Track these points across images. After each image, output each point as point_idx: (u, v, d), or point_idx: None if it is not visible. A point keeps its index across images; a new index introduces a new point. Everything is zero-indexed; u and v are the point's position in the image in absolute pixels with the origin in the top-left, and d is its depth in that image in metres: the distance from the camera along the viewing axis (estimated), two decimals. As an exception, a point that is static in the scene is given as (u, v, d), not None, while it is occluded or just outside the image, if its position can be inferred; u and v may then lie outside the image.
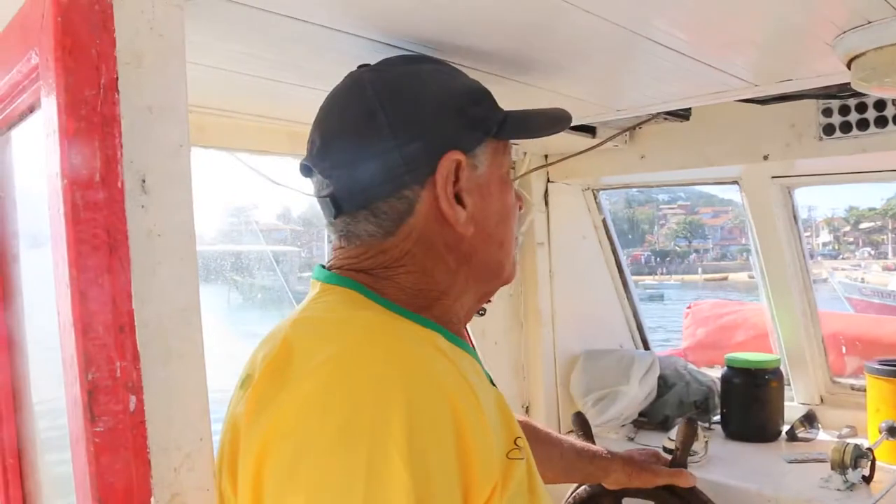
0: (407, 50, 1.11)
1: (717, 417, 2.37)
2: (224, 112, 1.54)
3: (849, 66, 1.14)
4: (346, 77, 1.01)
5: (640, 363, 2.43)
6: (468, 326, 1.84)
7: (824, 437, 2.24)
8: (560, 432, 1.67)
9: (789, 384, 2.41)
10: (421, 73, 0.99)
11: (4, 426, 1.07)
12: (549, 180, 2.48)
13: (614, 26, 1.04)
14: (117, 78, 0.70)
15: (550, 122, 1.10)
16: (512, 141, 1.05)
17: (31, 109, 0.88)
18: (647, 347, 2.83)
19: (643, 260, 65.55)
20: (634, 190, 3.01)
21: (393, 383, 0.77)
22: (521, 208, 1.10)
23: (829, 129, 1.82)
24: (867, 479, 1.81)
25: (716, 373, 2.47)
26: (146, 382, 0.70)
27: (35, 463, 1.07)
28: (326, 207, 0.98)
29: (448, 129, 0.95)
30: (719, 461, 2.07)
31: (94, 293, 0.68)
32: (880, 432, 1.99)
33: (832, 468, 1.82)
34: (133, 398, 0.69)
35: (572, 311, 2.55)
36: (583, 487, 1.69)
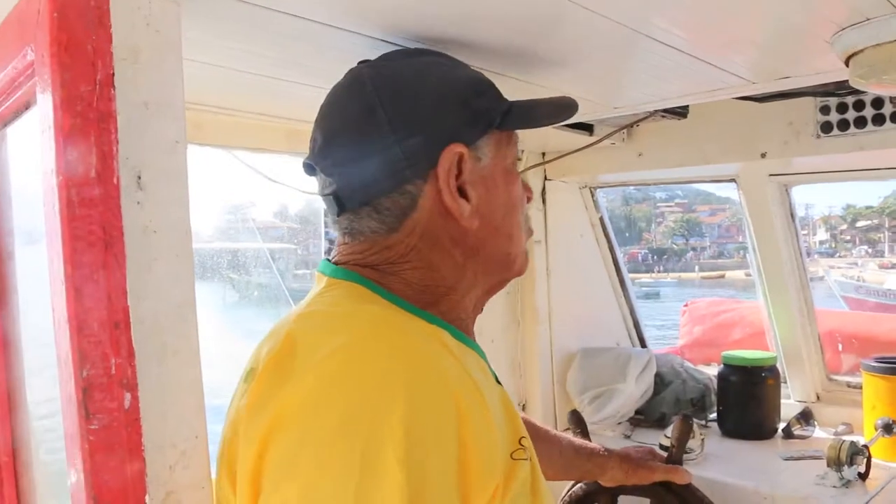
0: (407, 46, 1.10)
1: (714, 415, 2.37)
2: (222, 109, 1.54)
3: (847, 63, 1.14)
4: (346, 74, 1.00)
5: (636, 361, 2.43)
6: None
7: (820, 435, 2.24)
8: (557, 430, 1.68)
9: (786, 382, 2.42)
10: (421, 67, 0.99)
11: None
12: (546, 178, 2.47)
13: (614, 24, 1.04)
14: (113, 74, 0.70)
15: (556, 110, 1.08)
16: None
17: (27, 106, 0.88)
18: (643, 345, 2.83)
19: (640, 258, 65.58)
20: (632, 188, 3.01)
21: (396, 379, 0.77)
22: (529, 199, 1.08)
23: (826, 127, 1.82)
24: (863, 476, 1.81)
25: (712, 370, 2.47)
26: (141, 379, 0.70)
27: (30, 461, 1.07)
28: (330, 205, 0.98)
29: (449, 121, 0.94)
30: (716, 459, 2.07)
31: (89, 290, 0.67)
32: (876, 429, 1.99)
33: (828, 465, 1.82)
34: (128, 395, 0.69)
35: (569, 308, 2.55)
36: (579, 485, 1.69)
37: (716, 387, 2.36)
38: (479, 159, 0.96)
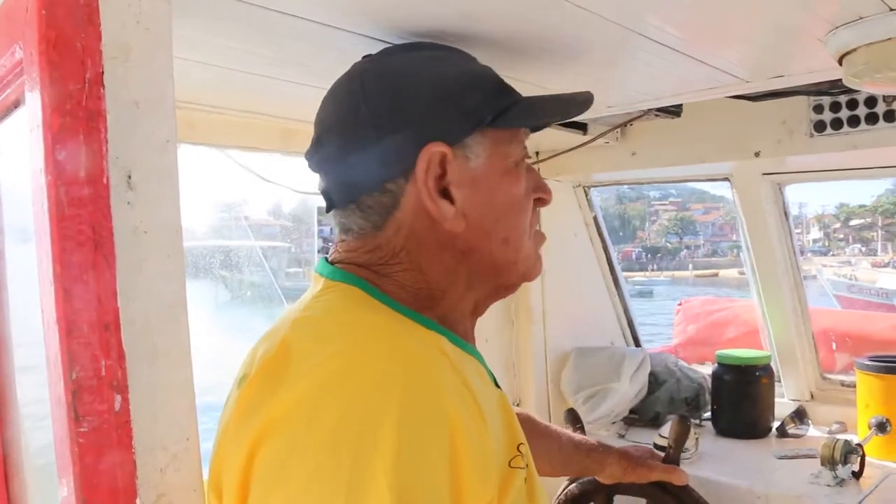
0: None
1: (708, 414, 2.37)
2: (214, 108, 1.53)
3: (840, 62, 1.14)
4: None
5: (630, 360, 2.43)
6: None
7: (814, 434, 2.25)
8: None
9: (780, 381, 2.42)
10: (417, 61, 0.96)
11: (-11, 425, 1.06)
12: (540, 177, 2.47)
13: (607, 22, 1.03)
14: (103, 72, 0.69)
15: (563, 105, 1.03)
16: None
17: (16, 104, 0.87)
18: (637, 344, 2.83)
19: (634, 256, 65.77)
20: (626, 186, 3.01)
21: (389, 392, 0.74)
22: (544, 202, 1.04)
23: (820, 126, 1.82)
24: (857, 475, 1.82)
25: (706, 369, 2.47)
26: (132, 381, 0.69)
27: (20, 462, 1.06)
28: (324, 201, 0.97)
29: (432, 119, 0.90)
30: (710, 458, 2.08)
31: (78, 291, 0.67)
32: (870, 428, 1.99)
33: (822, 464, 1.82)
34: (118, 397, 0.68)
35: (563, 308, 2.55)
36: (574, 484, 1.68)
37: (710, 386, 2.36)
38: (468, 159, 0.92)
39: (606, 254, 2.74)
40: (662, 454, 1.65)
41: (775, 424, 2.26)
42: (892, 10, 1.00)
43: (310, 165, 0.99)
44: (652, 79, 1.38)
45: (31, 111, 0.69)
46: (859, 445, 1.84)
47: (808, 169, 2.16)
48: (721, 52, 1.21)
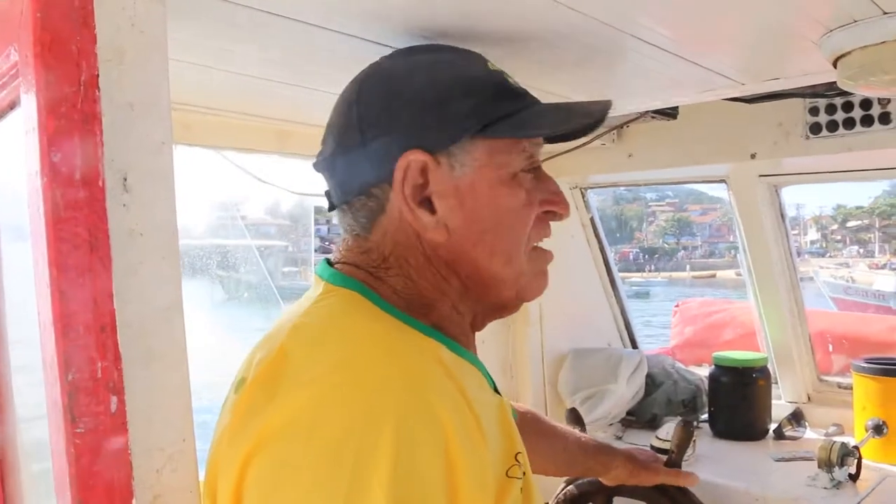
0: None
1: (705, 416, 2.38)
2: (210, 110, 1.53)
3: (835, 64, 1.15)
4: None
5: (627, 362, 2.43)
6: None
7: (811, 436, 2.25)
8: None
9: (776, 382, 2.42)
10: (417, 65, 0.94)
11: (-15, 427, 1.06)
12: (537, 179, 2.47)
13: (600, 24, 1.03)
14: (98, 75, 0.69)
15: (564, 117, 0.97)
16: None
17: (11, 106, 0.87)
18: (635, 346, 2.83)
19: (631, 257, 65.77)
20: (622, 188, 3.01)
21: (385, 409, 0.74)
22: (559, 215, 0.99)
23: (815, 128, 1.83)
24: (854, 477, 1.82)
25: (703, 371, 2.47)
26: (128, 383, 0.69)
27: (16, 463, 1.06)
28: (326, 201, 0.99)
29: (415, 125, 0.88)
30: (707, 460, 2.08)
31: (74, 293, 0.67)
32: (867, 430, 2.00)
33: (819, 466, 1.83)
34: (114, 399, 0.68)
35: (560, 309, 2.55)
36: (573, 485, 1.68)
37: (707, 388, 2.37)
38: (453, 168, 0.88)
39: (603, 255, 2.74)
40: (664, 458, 1.65)
41: (772, 426, 2.26)
42: (885, 13, 1.01)
43: (313, 165, 1.00)
44: (648, 81, 1.39)
45: (27, 113, 0.69)
46: (856, 448, 1.85)
47: (804, 171, 2.16)
48: (716, 54, 1.22)
